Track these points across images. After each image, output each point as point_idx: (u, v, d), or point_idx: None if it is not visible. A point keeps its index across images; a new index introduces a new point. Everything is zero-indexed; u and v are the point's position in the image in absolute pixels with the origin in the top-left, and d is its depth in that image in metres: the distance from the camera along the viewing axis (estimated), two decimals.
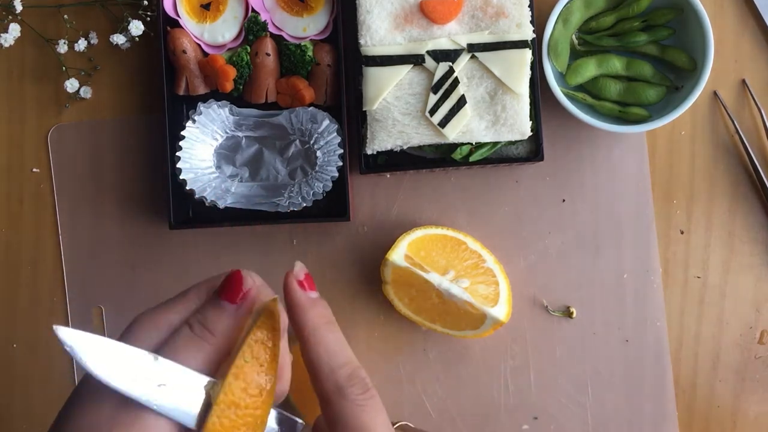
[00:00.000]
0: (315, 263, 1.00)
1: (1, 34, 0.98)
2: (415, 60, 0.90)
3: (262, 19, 0.95)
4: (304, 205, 0.94)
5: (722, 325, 0.99)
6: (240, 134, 0.98)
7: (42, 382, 1.02)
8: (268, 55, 0.95)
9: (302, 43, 0.95)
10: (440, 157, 0.95)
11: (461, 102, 0.90)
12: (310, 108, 0.95)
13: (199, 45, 0.97)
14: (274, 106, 0.97)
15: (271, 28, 0.96)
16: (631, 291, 0.99)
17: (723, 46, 0.99)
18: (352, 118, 0.96)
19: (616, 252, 0.99)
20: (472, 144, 0.92)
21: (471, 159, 0.93)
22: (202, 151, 0.96)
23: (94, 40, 1.01)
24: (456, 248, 0.96)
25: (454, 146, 0.92)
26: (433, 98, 0.90)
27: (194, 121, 0.94)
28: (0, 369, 1.02)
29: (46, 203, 1.02)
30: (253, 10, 0.95)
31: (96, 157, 1.02)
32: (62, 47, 1.00)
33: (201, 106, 0.94)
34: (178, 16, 0.96)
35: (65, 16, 1.01)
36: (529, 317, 1.00)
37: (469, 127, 0.90)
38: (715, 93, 0.99)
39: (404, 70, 0.90)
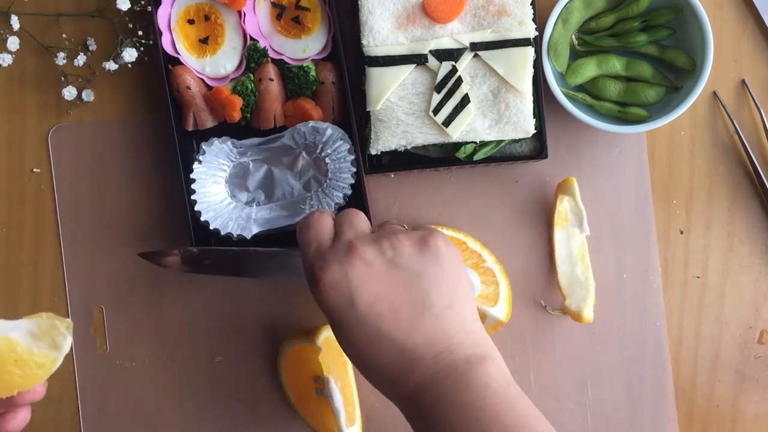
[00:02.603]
0: None
1: (2, 54, 0.99)
2: (418, 60, 0.90)
3: (261, 46, 0.95)
4: None
5: (722, 325, 0.99)
6: (246, 159, 0.98)
7: None
8: (271, 80, 0.95)
9: (304, 64, 0.95)
10: (444, 156, 0.95)
11: (464, 101, 0.90)
12: (310, 122, 0.95)
13: (202, 79, 0.96)
14: (284, 129, 0.97)
15: (271, 54, 0.96)
16: (631, 291, 0.99)
17: (723, 46, 0.99)
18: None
19: (615, 252, 0.99)
20: (476, 142, 0.92)
21: (475, 158, 0.93)
22: (214, 186, 0.97)
23: (93, 47, 1.01)
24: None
25: (458, 145, 0.92)
26: (437, 97, 0.90)
27: (200, 162, 0.94)
28: None
29: (47, 203, 1.02)
30: (251, 38, 0.95)
31: (97, 157, 1.01)
32: (60, 60, 0.99)
33: (203, 146, 0.94)
34: (178, 53, 0.96)
35: (63, 35, 1.00)
36: (529, 317, 1.00)
37: (472, 126, 0.91)
38: (714, 93, 0.99)
39: (407, 70, 0.90)
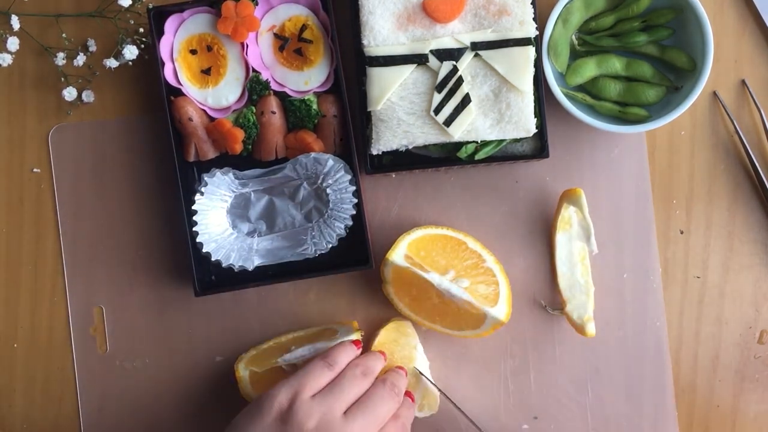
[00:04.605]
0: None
1: (2, 54, 0.99)
2: (419, 59, 0.90)
3: (264, 78, 0.95)
4: (331, 245, 0.95)
5: (722, 324, 0.99)
6: (247, 190, 0.98)
7: (43, 382, 1.02)
8: (273, 113, 0.95)
9: (306, 97, 0.95)
10: (445, 156, 0.95)
11: (465, 100, 0.90)
12: (312, 153, 0.95)
13: (204, 110, 0.97)
14: (285, 161, 0.97)
15: (273, 85, 0.96)
16: (631, 291, 0.99)
17: (723, 46, 0.99)
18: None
19: (616, 252, 0.99)
20: (477, 142, 0.92)
21: (476, 157, 0.93)
22: (216, 217, 0.97)
23: (93, 47, 1.01)
24: (456, 248, 0.96)
25: (460, 145, 0.93)
26: (438, 97, 0.90)
27: (202, 193, 0.95)
28: (0, 369, 1.02)
29: (47, 203, 1.02)
30: (254, 70, 0.95)
31: (97, 157, 1.02)
32: (60, 60, 0.99)
33: (205, 178, 0.95)
34: (180, 84, 0.96)
35: (63, 35, 1.01)
36: (529, 317, 1.00)
37: (474, 126, 0.91)
38: (714, 93, 0.99)
39: (408, 70, 0.90)
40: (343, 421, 0.82)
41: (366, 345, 0.97)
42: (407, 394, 0.92)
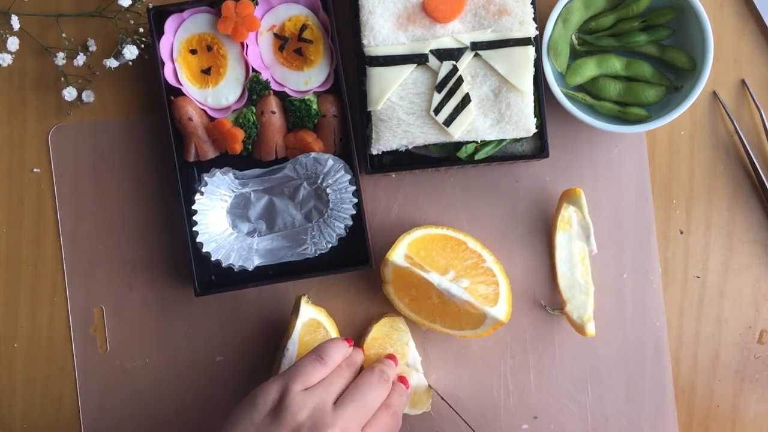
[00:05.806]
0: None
1: (2, 54, 0.99)
2: (419, 59, 0.90)
3: (264, 78, 0.95)
4: (331, 245, 0.95)
5: (721, 324, 0.99)
6: (247, 190, 0.98)
7: (43, 382, 1.02)
8: (273, 113, 0.95)
9: (306, 97, 0.95)
10: (445, 156, 0.95)
11: (465, 100, 0.90)
12: (312, 153, 0.95)
13: (204, 110, 0.97)
14: (285, 161, 0.97)
15: (273, 85, 0.96)
16: (631, 291, 0.99)
17: (723, 46, 0.99)
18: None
19: (616, 252, 0.99)
20: (477, 142, 0.92)
21: (476, 157, 0.93)
22: (216, 217, 0.97)
23: (93, 47, 1.01)
24: (456, 248, 0.96)
25: (460, 145, 0.93)
26: (438, 97, 0.90)
27: (202, 193, 0.95)
28: (0, 369, 1.02)
29: (47, 203, 1.02)
30: (254, 70, 0.95)
31: (97, 157, 1.02)
32: (60, 60, 0.99)
33: (205, 178, 0.95)
34: (180, 84, 0.96)
35: (63, 35, 1.01)
36: (529, 317, 1.00)
37: (473, 126, 0.91)
38: (714, 93, 0.99)
39: (408, 70, 0.90)
40: (333, 411, 0.82)
41: (358, 340, 0.98)
42: (401, 379, 0.92)
